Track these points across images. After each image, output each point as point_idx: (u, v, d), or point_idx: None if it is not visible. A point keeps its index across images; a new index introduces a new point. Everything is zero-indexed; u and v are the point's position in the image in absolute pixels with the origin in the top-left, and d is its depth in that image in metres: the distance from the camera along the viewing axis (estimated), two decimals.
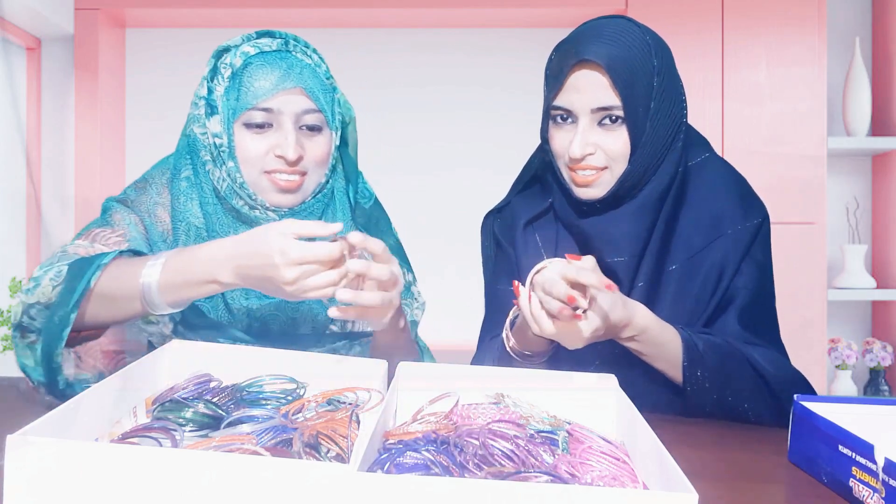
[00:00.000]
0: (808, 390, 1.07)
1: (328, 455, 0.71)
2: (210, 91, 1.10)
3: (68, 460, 0.58)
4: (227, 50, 1.11)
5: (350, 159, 1.22)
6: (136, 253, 1.06)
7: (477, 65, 2.91)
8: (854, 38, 2.75)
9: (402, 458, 0.67)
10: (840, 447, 0.75)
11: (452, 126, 2.91)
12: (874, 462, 0.69)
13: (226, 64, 1.09)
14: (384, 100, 2.90)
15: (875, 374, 2.72)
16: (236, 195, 1.11)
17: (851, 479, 0.73)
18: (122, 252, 1.02)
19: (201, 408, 0.78)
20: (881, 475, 0.68)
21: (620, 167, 1.07)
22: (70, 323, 0.96)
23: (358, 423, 0.74)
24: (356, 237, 0.92)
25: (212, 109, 1.10)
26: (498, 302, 1.21)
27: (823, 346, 2.58)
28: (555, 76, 1.09)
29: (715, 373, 1.03)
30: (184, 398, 0.80)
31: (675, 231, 1.12)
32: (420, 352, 1.22)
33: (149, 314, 1.00)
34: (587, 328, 0.94)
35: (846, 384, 2.70)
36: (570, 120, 1.08)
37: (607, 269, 1.11)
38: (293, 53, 1.11)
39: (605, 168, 1.07)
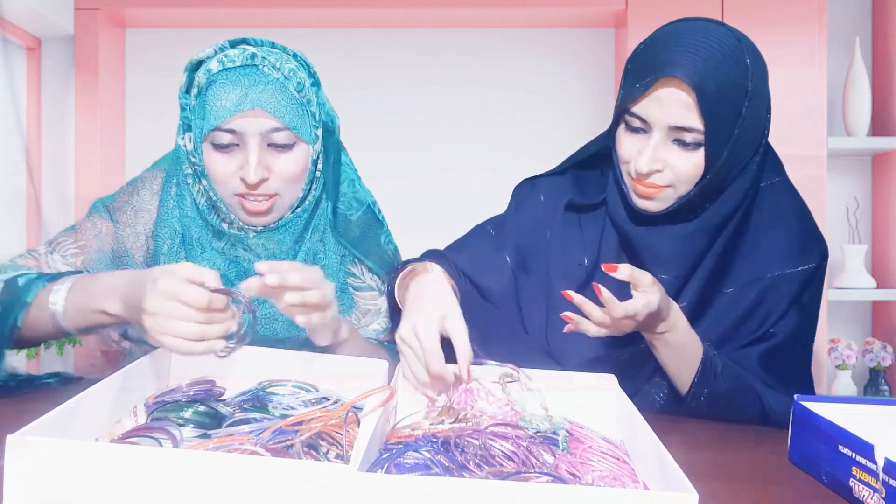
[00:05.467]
0: None
1: (328, 455, 0.71)
2: (183, 107, 1.09)
3: (68, 460, 0.58)
4: (201, 63, 1.08)
5: (329, 171, 1.18)
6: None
7: (477, 65, 2.91)
8: (854, 38, 2.75)
9: (403, 458, 0.67)
10: (840, 447, 0.75)
11: (452, 126, 2.91)
12: (874, 462, 0.69)
13: (197, 78, 1.07)
14: (384, 100, 2.90)
15: (875, 374, 2.72)
16: (213, 211, 1.12)
17: (851, 479, 0.73)
18: (62, 274, 1.05)
19: (201, 408, 0.77)
20: (881, 475, 0.68)
21: (686, 188, 1.01)
22: (3, 356, 1.02)
23: (358, 423, 0.74)
24: (263, 266, 0.88)
25: (186, 126, 1.09)
26: (479, 245, 1.18)
27: (823, 346, 2.58)
28: (636, 80, 1.00)
29: (721, 396, 1.01)
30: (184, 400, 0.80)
31: (734, 258, 1.07)
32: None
33: (59, 336, 1.03)
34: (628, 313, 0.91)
35: (846, 384, 2.70)
36: (643, 130, 1.01)
37: None
38: (260, 68, 1.05)
39: (669, 187, 1.01)
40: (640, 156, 1.00)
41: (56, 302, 0.99)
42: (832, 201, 2.83)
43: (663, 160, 1.00)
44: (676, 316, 0.98)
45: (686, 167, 0.99)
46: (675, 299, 1.05)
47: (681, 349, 1.00)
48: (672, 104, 0.97)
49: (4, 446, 0.58)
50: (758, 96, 0.99)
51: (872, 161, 2.89)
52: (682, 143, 0.98)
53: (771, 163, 1.11)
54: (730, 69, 0.96)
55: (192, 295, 0.81)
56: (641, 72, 1.00)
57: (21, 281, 1.03)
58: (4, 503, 0.58)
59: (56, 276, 1.03)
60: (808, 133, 2.56)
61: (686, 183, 1.01)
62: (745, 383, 1.03)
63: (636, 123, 1.01)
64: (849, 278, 2.68)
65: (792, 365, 1.08)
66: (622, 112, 1.03)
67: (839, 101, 2.80)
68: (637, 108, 1.00)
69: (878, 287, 2.71)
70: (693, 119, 0.96)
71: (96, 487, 0.58)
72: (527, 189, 1.21)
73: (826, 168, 2.56)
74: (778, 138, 2.54)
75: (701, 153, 0.98)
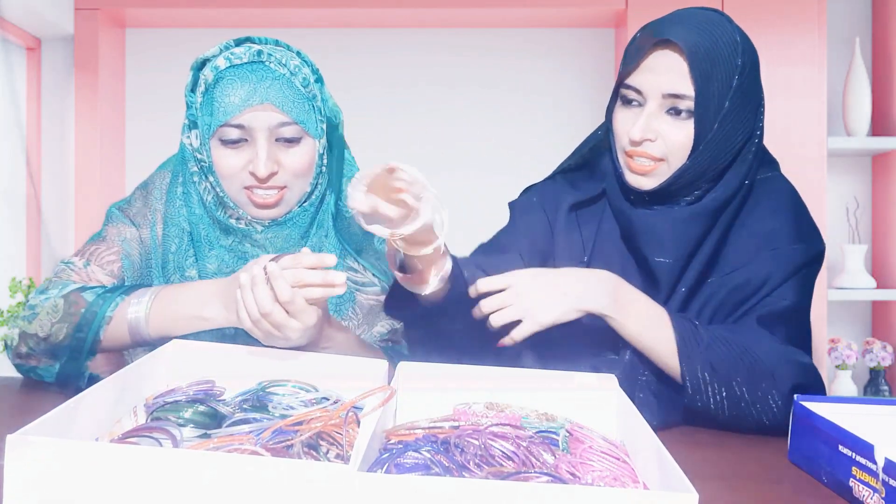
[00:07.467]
0: (815, 378, 1.00)
1: (328, 455, 0.71)
2: (189, 105, 1.10)
3: (68, 460, 0.58)
4: (207, 61, 1.09)
5: (333, 166, 1.19)
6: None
7: (477, 65, 2.91)
8: (854, 38, 2.75)
9: (403, 458, 0.67)
10: (840, 447, 0.75)
11: (452, 126, 2.91)
12: (874, 462, 0.69)
13: (204, 76, 1.08)
14: (384, 100, 2.90)
15: (875, 374, 2.72)
16: (220, 208, 1.12)
17: (851, 479, 0.73)
18: (134, 287, 1.07)
19: (201, 408, 0.77)
20: (881, 475, 0.68)
21: (678, 161, 1.04)
22: (85, 371, 1.04)
23: (358, 423, 0.74)
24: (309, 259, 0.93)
25: (192, 124, 1.10)
26: (494, 247, 1.20)
27: (823, 346, 2.58)
28: (632, 55, 1.06)
29: (722, 367, 0.96)
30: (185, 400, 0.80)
31: (727, 244, 1.08)
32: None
33: (137, 346, 1.07)
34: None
35: (846, 384, 2.70)
36: (637, 103, 1.05)
37: (649, 270, 1.08)
38: (266, 64, 1.07)
39: (662, 160, 1.04)
40: (633, 125, 1.04)
41: (137, 313, 1.03)
42: (832, 201, 2.83)
43: (656, 130, 1.03)
44: (626, 292, 0.99)
45: (678, 137, 1.03)
46: (675, 285, 1.07)
47: (643, 323, 0.99)
48: (665, 70, 1.02)
49: (4, 446, 0.58)
50: (748, 74, 1.03)
51: (872, 161, 2.89)
52: (675, 113, 1.03)
53: (766, 159, 1.15)
54: (720, 41, 1.02)
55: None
56: (638, 46, 1.05)
57: (89, 296, 1.04)
58: (4, 503, 0.58)
59: (129, 289, 1.06)
60: (808, 133, 2.56)
61: (678, 156, 1.04)
62: (742, 341, 0.98)
63: (631, 95, 1.05)
64: (849, 278, 2.68)
65: (793, 333, 1.05)
66: (618, 89, 1.07)
67: (839, 101, 2.80)
68: (631, 80, 1.05)
69: (878, 287, 2.71)
70: (686, 85, 1.01)
71: (96, 487, 0.58)
72: (522, 198, 1.24)
73: (826, 168, 2.56)
74: (778, 138, 2.56)
75: (692, 123, 1.02)
